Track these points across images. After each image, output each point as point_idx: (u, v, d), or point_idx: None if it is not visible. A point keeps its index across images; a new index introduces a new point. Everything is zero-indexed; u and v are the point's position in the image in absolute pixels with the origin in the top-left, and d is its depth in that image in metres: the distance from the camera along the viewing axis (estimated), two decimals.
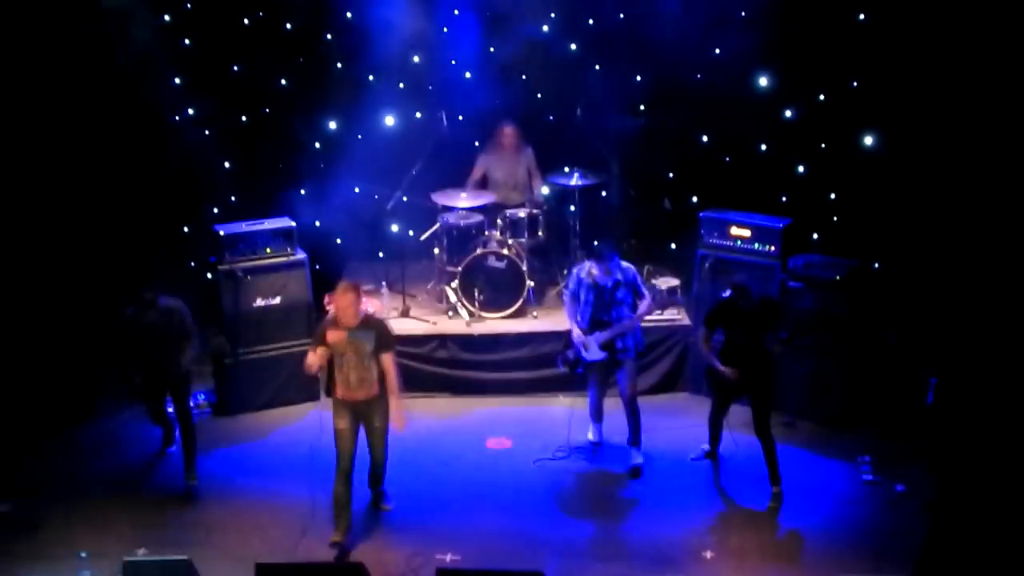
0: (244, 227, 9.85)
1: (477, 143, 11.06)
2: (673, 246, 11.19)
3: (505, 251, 10.19)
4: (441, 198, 10.43)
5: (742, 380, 8.21)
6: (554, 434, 9.29)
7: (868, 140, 9.45)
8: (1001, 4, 8.69)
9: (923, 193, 9.14)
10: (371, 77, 11.01)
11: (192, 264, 10.82)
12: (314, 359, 7.73)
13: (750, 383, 8.25)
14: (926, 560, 7.03)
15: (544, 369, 9.83)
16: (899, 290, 9.41)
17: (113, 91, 9.61)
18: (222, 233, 9.75)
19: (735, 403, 8.61)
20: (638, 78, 10.98)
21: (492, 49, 10.91)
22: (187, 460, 8.64)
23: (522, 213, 10.46)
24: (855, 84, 9.72)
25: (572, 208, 10.49)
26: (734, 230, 9.70)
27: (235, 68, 10.82)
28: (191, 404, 8.94)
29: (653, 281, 10.24)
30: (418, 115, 11.15)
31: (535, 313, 10.34)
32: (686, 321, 10.05)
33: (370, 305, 10.22)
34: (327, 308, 8.85)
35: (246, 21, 10.77)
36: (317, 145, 11.20)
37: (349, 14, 10.82)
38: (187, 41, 10.49)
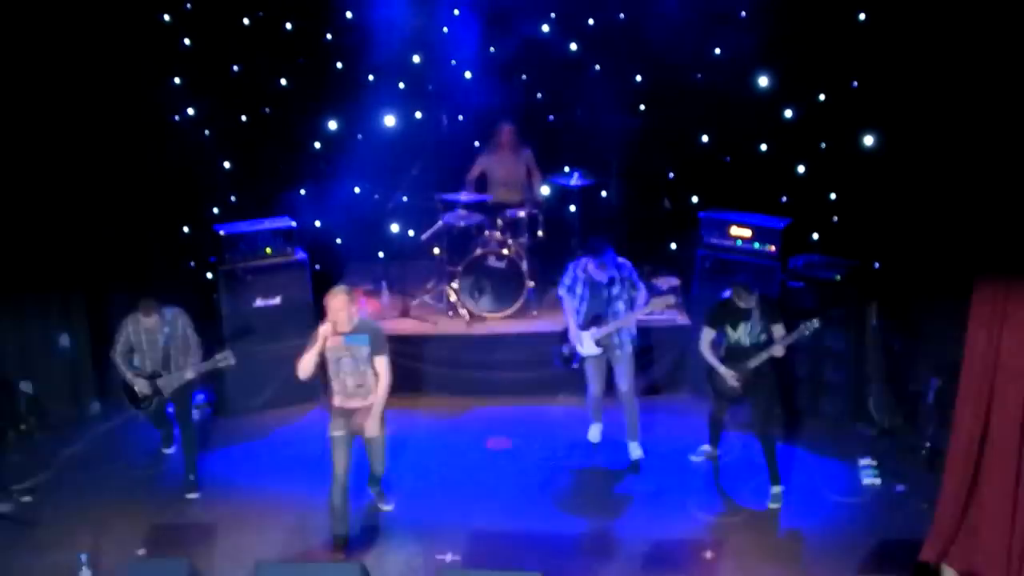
0: (244, 227, 9.85)
1: (477, 143, 11.07)
2: (673, 246, 11.19)
3: (505, 251, 10.18)
4: (446, 196, 10.43)
5: (743, 382, 8.21)
6: (554, 434, 9.30)
7: (868, 140, 9.43)
8: (1001, 4, 8.68)
9: (923, 193, 9.12)
10: (371, 77, 11.01)
11: (192, 264, 10.81)
12: (305, 360, 7.58)
13: (750, 384, 8.25)
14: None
15: (544, 369, 9.80)
16: (899, 290, 9.40)
17: (113, 91, 9.60)
18: (222, 233, 9.77)
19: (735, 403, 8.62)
20: (638, 78, 10.99)
21: (492, 49, 10.91)
22: (187, 460, 8.63)
23: (522, 213, 10.46)
24: (855, 84, 9.71)
25: (572, 208, 10.49)
26: (734, 230, 9.70)
27: (235, 68, 10.80)
28: (191, 404, 8.93)
29: (653, 281, 10.23)
30: (418, 115, 11.15)
31: (535, 313, 10.34)
32: (686, 321, 10.05)
33: (366, 308, 10.26)
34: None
35: (246, 21, 10.76)
36: (317, 145, 11.20)
37: (349, 14, 10.83)
38: (187, 41, 10.49)
